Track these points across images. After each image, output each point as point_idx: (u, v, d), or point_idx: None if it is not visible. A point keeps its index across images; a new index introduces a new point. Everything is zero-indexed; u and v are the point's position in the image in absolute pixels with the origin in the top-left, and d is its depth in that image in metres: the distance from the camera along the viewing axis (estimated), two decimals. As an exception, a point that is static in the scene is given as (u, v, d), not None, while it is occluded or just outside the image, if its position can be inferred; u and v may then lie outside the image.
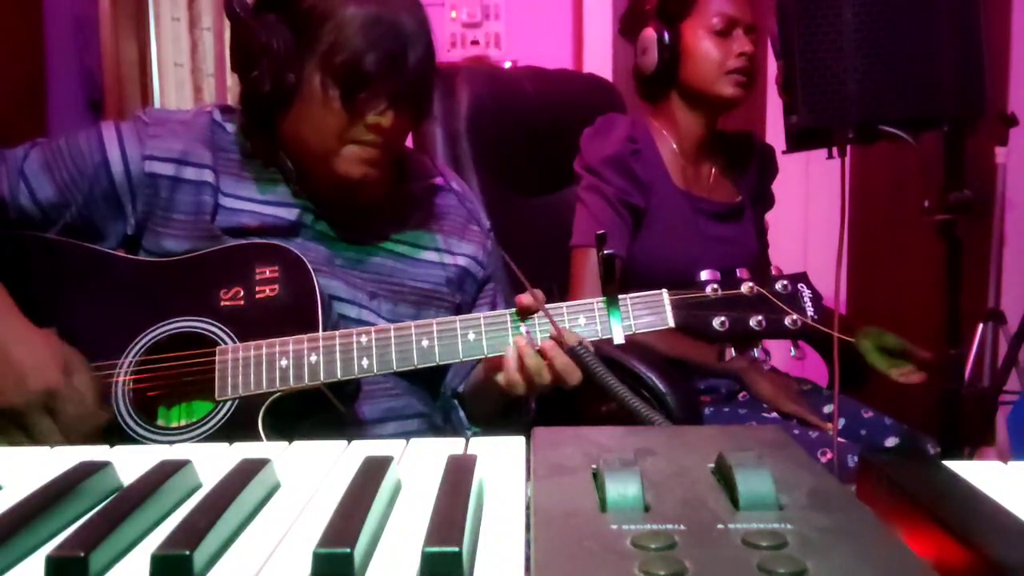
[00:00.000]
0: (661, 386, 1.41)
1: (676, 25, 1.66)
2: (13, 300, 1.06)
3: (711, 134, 1.75)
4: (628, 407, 0.94)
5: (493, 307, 1.33)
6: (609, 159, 1.66)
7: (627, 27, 1.80)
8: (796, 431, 1.55)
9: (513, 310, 1.09)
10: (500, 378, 1.10)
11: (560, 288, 1.67)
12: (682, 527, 0.39)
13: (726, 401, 1.68)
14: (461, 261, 1.30)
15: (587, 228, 1.65)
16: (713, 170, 1.78)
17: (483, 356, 1.09)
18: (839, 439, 1.58)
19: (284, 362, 1.06)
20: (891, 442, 1.63)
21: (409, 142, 1.31)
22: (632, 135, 1.68)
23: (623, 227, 1.64)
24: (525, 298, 1.07)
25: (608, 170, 1.65)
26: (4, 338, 1.02)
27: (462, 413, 1.27)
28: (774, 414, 1.63)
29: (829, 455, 1.45)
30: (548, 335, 1.07)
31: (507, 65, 3.05)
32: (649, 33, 1.68)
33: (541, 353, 1.05)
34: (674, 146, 1.73)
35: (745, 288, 1.08)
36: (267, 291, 1.10)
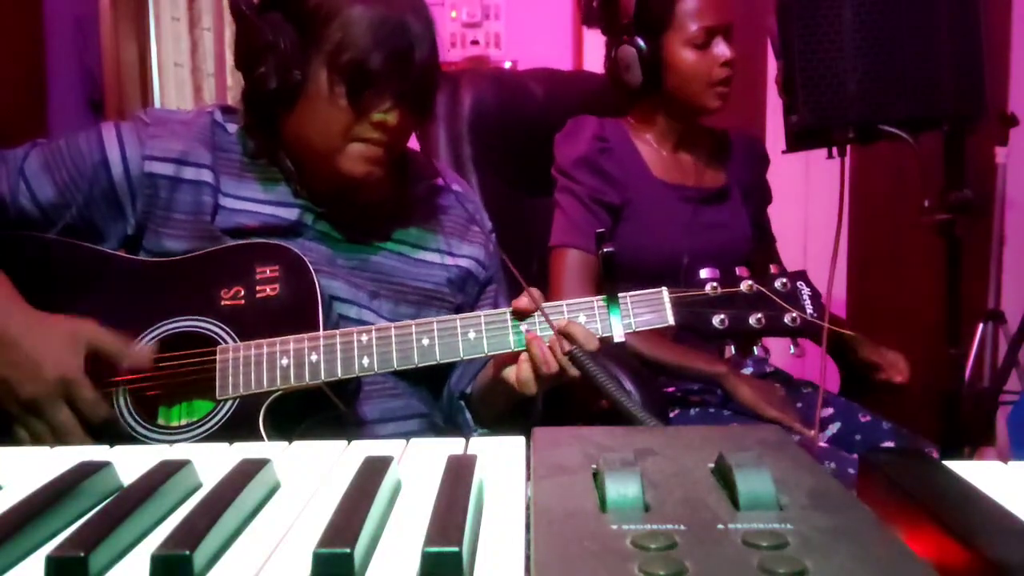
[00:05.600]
0: (628, 385, 1.41)
1: (656, 39, 1.65)
2: (17, 292, 1.06)
3: (689, 129, 1.76)
4: (622, 409, 0.94)
5: (495, 308, 1.32)
6: (578, 160, 1.68)
7: (590, 21, 1.78)
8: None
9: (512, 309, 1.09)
10: (509, 375, 1.10)
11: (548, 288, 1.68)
12: (682, 527, 0.39)
13: (721, 403, 1.68)
14: (463, 262, 1.30)
15: (562, 228, 1.68)
16: (696, 159, 1.79)
17: (484, 355, 1.09)
18: (822, 444, 1.57)
19: (285, 361, 1.06)
20: (887, 447, 1.62)
21: (413, 144, 1.32)
22: (600, 134, 1.69)
23: (598, 226, 1.65)
24: (521, 301, 1.08)
25: (578, 171, 1.67)
26: (13, 331, 1.01)
27: (469, 415, 1.27)
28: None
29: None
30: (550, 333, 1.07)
31: (507, 65, 3.05)
32: (628, 51, 1.66)
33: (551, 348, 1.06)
34: (653, 141, 1.75)
35: (744, 286, 1.08)
36: (268, 290, 1.10)
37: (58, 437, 1.01)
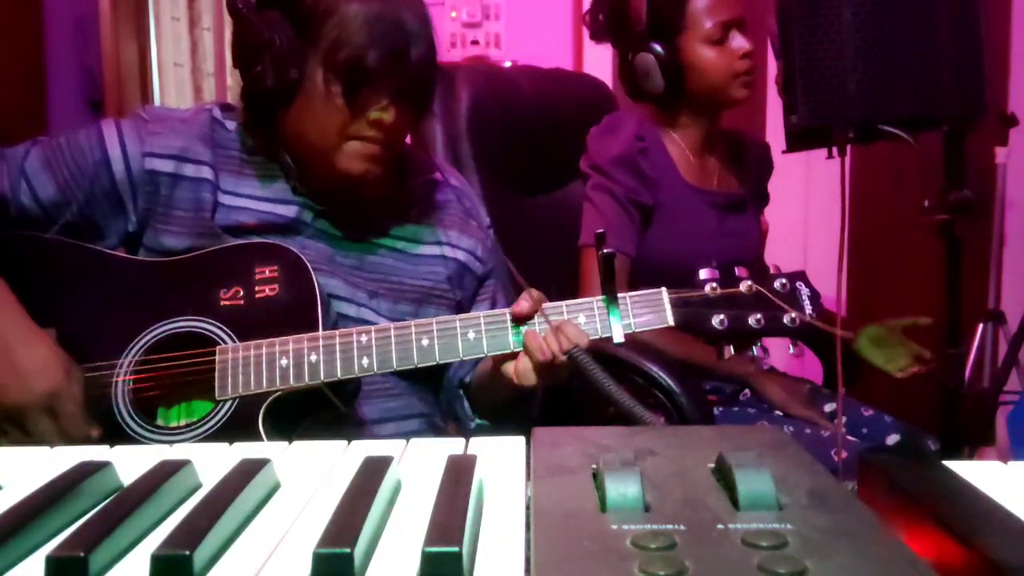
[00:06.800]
0: (673, 385, 1.42)
1: (672, 42, 1.63)
2: (17, 300, 1.06)
3: (713, 129, 1.76)
4: (622, 408, 0.93)
5: (493, 304, 1.32)
6: (617, 158, 1.65)
7: (599, 36, 1.77)
8: (808, 430, 1.55)
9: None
10: (508, 368, 1.10)
11: (559, 288, 1.67)
12: (682, 527, 0.39)
13: (729, 401, 1.68)
14: (460, 256, 1.30)
15: (595, 228, 1.65)
16: (718, 163, 1.79)
17: (483, 355, 1.09)
18: (849, 437, 1.58)
19: (284, 361, 1.06)
20: (892, 439, 1.63)
21: (408, 141, 1.31)
22: (639, 133, 1.67)
23: (632, 226, 1.65)
24: (522, 305, 1.07)
25: (617, 169, 1.65)
26: (9, 339, 1.02)
27: (467, 405, 1.27)
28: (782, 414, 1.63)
29: (845, 454, 1.45)
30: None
31: (507, 65, 3.05)
32: (646, 59, 1.65)
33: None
34: (681, 143, 1.73)
35: (744, 286, 1.08)
36: (267, 291, 1.10)
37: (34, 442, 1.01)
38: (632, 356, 1.44)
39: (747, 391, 1.70)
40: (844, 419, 1.66)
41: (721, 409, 1.65)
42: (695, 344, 1.63)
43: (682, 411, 1.41)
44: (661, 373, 1.43)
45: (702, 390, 1.56)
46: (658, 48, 1.63)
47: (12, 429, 1.02)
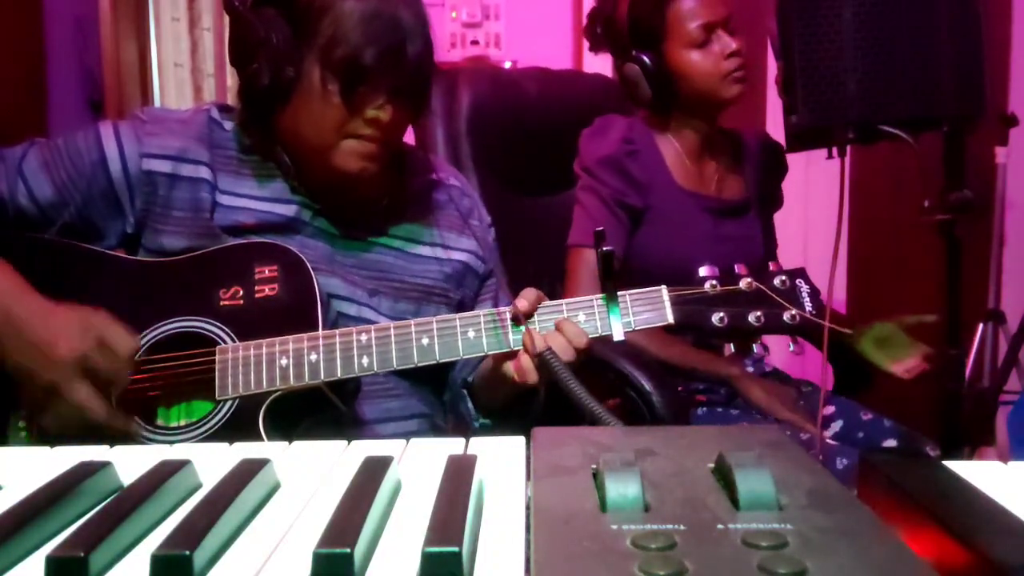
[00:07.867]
0: (647, 386, 1.41)
1: (656, 49, 1.64)
2: (25, 280, 1.05)
3: (712, 132, 1.75)
4: (587, 413, 0.93)
5: (495, 302, 1.32)
6: (604, 160, 1.66)
7: (597, 47, 1.77)
8: (788, 433, 1.55)
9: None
10: (508, 367, 1.10)
11: (560, 288, 1.68)
12: (682, 527, 0.39)
13: (726, 403, 1.68)
14: (462, 256, 1.30)
15: (583, 228, 1.66)
16: (718, 167, 1.78)
17: (483, 354, 1.10)
18: (829, 441, 1.58)
19: (284, 361, 1.06)
20: (889, 444, 1.63)
21: (411, 140, 1.31)
22: (628, 136, 1.68)
23: (619, 227, 1.65)
24: (521, 304, 1.08)
25: (603, 171, 1.66)
26: (21, 317, 1.01)
27: (471, 404, 1.27)
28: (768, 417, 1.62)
29: (822, 457, 1.45)
30: (552, 325, 1.08)
31: (507, 65, 3.05)
32: (632, 69, 1.66)
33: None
34: (677, 146, 1.73)
35: (744, 284, 1.08)
36: (266, 290, 1.10)
37: (85, 417, 0.99)
38: (608, 354, 1.43)
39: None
40: (841, 423, 1.66)
41: (704, 410, 1.64)
42: (681, 345, 1.62)
43: (655, 411, 1.40)
44: (635, 372, 1.42)
45: (677, 392, 1.56)
46: (643, 58, 1.65)
47: (60, 404, 1.00)
